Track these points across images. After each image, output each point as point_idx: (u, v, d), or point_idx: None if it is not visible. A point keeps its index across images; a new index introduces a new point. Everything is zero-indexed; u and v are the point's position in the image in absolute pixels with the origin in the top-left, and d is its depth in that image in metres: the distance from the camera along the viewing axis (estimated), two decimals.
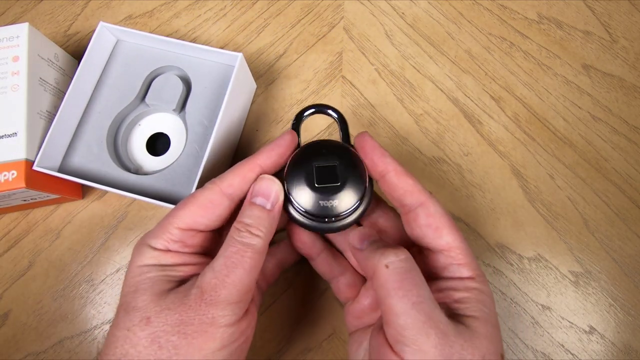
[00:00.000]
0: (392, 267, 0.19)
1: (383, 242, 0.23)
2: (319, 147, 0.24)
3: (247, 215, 0.22)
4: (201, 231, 0.23)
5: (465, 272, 0.22)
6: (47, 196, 0.31)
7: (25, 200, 0.31)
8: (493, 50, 0.37)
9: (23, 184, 0.28)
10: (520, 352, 0.30)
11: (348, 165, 0.23)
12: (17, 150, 0.29)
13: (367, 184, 0.23)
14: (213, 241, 0.25)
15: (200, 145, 0.31)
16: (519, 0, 0.38)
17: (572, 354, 0.29)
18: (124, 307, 0.21)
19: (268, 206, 0.22)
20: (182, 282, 0.22)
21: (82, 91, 0.33)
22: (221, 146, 0.31)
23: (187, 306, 0.20)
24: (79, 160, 0.32)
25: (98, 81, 0.34)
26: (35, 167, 0.29)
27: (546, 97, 0.35)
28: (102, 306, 0.32)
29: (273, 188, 0.23)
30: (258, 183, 0.23)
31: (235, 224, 0.22)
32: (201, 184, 0.29)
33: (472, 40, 0.37)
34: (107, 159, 0.31)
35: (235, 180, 0.23)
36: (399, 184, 0.23)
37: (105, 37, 0.33)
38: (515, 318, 0.30)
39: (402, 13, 0.39)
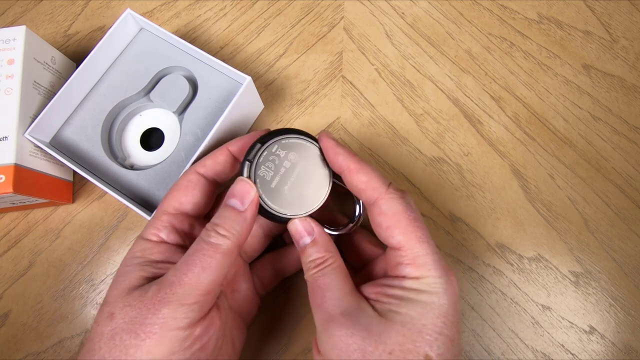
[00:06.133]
0: (309, 279, 0.24)
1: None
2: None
3: (218, 216, 0.22)
4: (190, 216, 0.25)
5: (411, 272, 0.21)
6: (36, 200, 0.31)
7: (14, 204, 0.31)
8: (493, 50, 0.37)
9: (10, 189, 0.28)
10: (520, 352, 0.30)
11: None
12: (6, 154, 0.28)
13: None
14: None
15: (187, 153, 0.31)
16: (519, 0, 0.38)
17: (572, 354, 0.29)
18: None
19: (240, 208, 0.22)
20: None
21: (93, 70, 0.33)
22: None
23: (144, 303, 0.20)
24: (70, 136, 0.32)
25: (111, 65, 0.34)
26: (25, 135, 0.29)
27: (546, 97, 0.35)
28: None
29: (247, 190, 0.23)
30: (234, 185, 0.23)
31: (206, 225, 0.22)
32: None
33: (472, 40, 0.37)
34: (97, 143, 0.32)
35: (207, 161, 0.26)
36: (352, 182, 0.23)
37: (128, 24, 0.33)
38: (515, 318, 0.30)
39: (402, 13, 0.39)
